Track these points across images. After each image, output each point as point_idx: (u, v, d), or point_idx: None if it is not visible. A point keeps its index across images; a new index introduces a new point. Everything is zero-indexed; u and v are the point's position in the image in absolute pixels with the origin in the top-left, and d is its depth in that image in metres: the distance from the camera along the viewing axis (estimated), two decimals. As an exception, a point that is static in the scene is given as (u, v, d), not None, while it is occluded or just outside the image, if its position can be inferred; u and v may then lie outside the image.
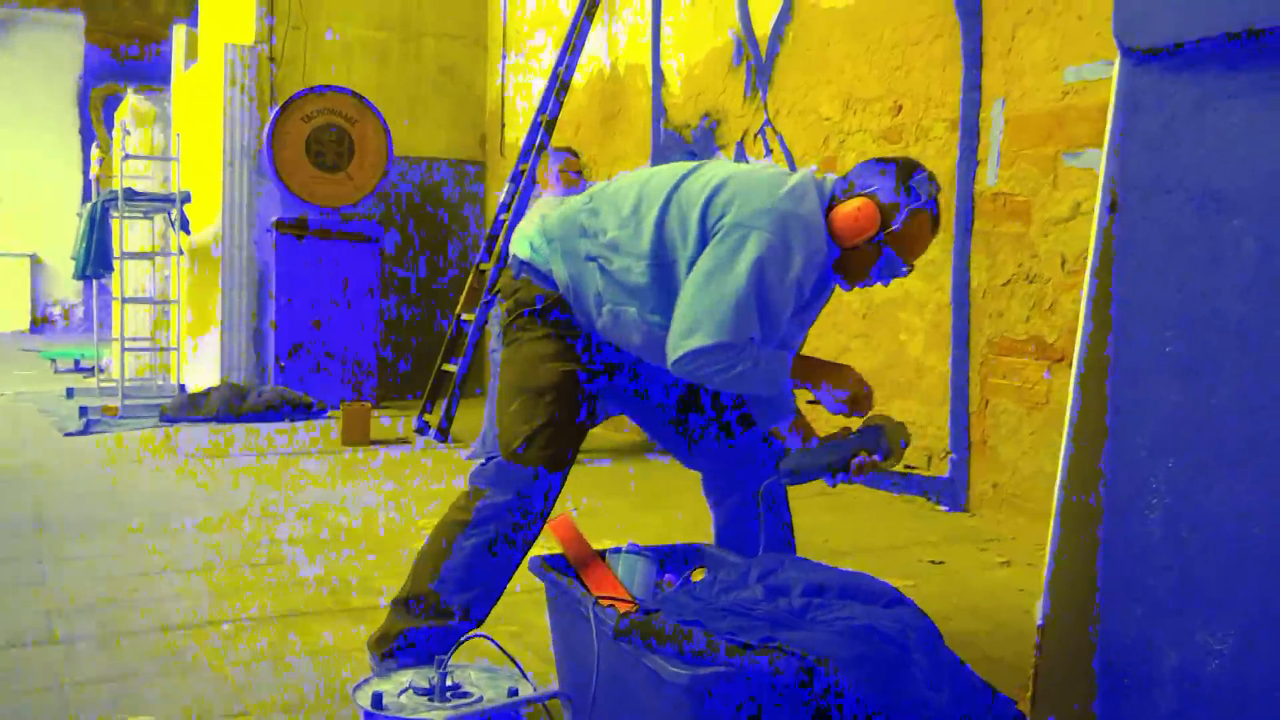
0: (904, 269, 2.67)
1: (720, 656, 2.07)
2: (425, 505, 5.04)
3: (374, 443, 6.91)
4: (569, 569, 2.77)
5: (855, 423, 2.74)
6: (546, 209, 2.82)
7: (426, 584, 2.59)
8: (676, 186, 2.63)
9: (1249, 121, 1.88)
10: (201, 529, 4.53)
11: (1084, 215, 4.40)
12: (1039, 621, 2.32)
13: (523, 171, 7.37)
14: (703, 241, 2.56)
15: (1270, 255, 1.85)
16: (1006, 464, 4.77)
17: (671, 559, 2.89)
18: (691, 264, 2.56)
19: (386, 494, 5.30)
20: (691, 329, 2.49)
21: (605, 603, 2.47)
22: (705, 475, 2.97)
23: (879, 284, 2.73)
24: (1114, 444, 2.11)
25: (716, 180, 2.60)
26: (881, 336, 5.46)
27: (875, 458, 2.66)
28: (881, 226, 2.59)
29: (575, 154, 6.37)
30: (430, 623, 2.58)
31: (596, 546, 2.79)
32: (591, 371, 2.70)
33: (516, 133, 9.07)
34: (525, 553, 2.62)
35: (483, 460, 2.63)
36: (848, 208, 2.59)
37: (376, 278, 8.66)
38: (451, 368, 7.40)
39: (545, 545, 2.75)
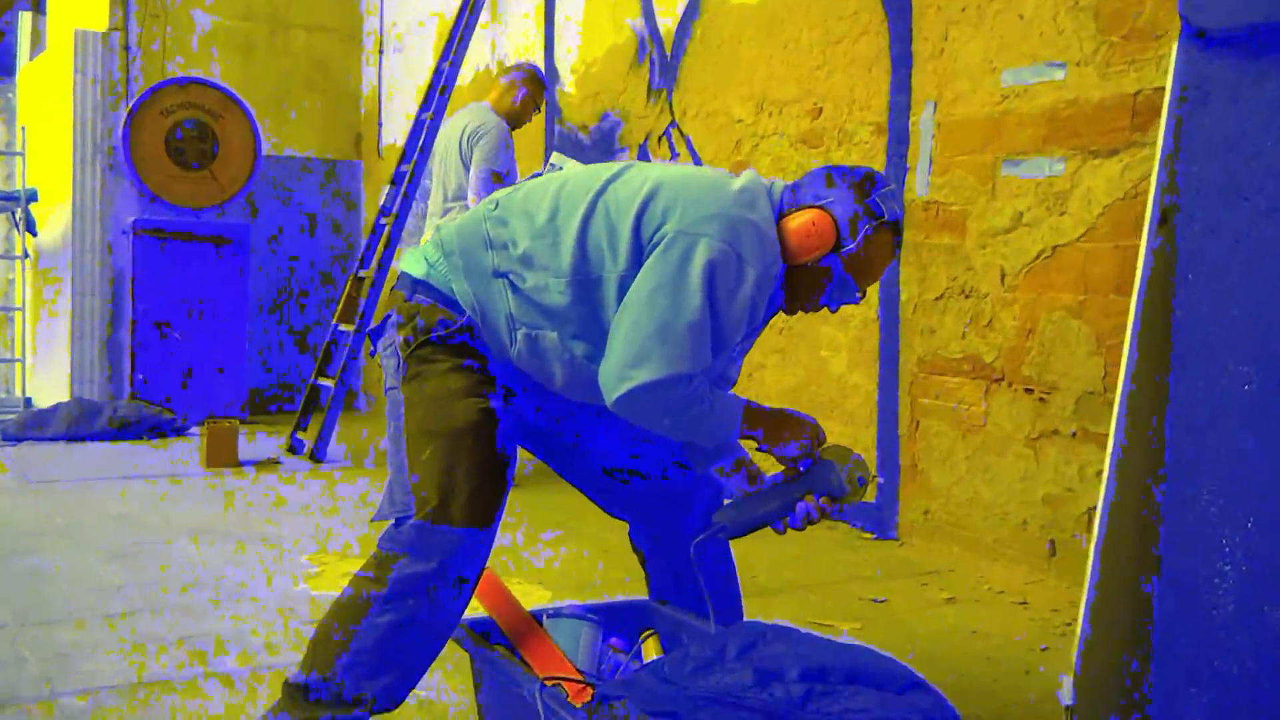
0: (857, 294, 2.32)
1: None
2: (303, 541, 4.53)
3: (242, 463, 6.34)
4: (498, 635, 2.35)
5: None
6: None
7: (330, 666, 2.12)
8: (602, 191, 2.23)
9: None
10: (32, 575, 3.95)
11: (1026, 227, 4.13)
12: (1066, 701, 1.98)
13: (406, 174, 6.88)
14: (636, 255, 2.17)
15: (1383, 276, 1.55)
16: (939, 490, 4.48)
17: (615, 619, 2.48)
18: (623, 282, 2.17)
19: (257, 526, 4.77)
20: (639, 358, 2.09)
21: (551, 683, 2.06)
22: (635, 524, 2.58)
23: (826, 309, 2.37)
24: (1172, 499, 1.78)
25: (650, 184, 2.21)
26: (800, 353, 5.13)
27: (828, 500, 2.30)
28: (836, 244, 2.24)
29: (543, 80, 5.66)
30: (336, 713, 2.12)
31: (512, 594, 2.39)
32: (513, 405, 2.29)
33: (395, 133, 8.55)
34: (453, 629, 2.19)
35: (394, 521, 2.18)
36: (800, 219, 2.24)
37: (244, 285, 8.04)
38: (328, 381, 6.87)
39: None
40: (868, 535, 4.71)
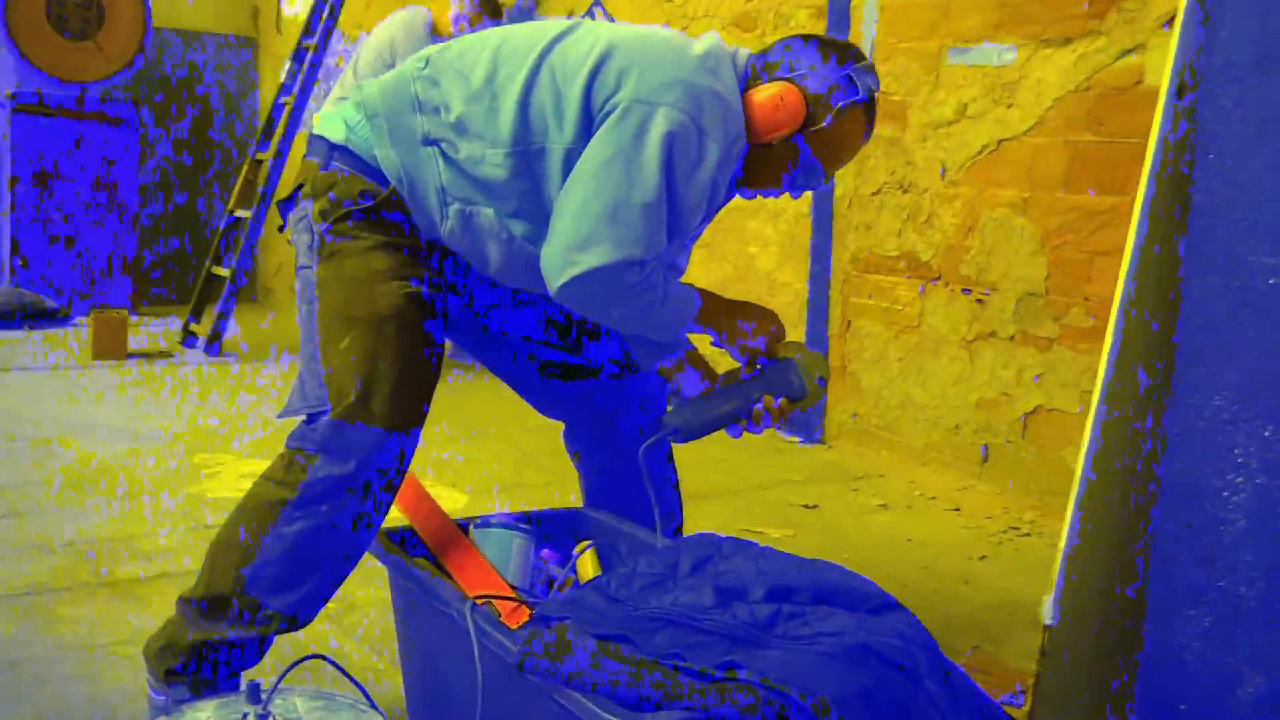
0: (823, 179, 2.11)
1: (677, 694, 1.49)
2: (197, 438, 4.24)
3: (131, 356, 5.98)
4: (419, 546, 2.13)
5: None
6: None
7: (232, 581, 1.89)
8: (547, 51, 1.97)
9: None
10: (-87, 470, 3.63)
11: (970, 119, 3.94)
12: (1049, 620, 1.83)
13: (308, 48, 6.46)
14: (585, 125, 1.92)
15: None
16: (869, 392, 4.34)
17: (547, 529, 2.28)
18: (569, 155, 1.92)
19: (149, 422, 4.46)
20: (586, 241, 1.86)
21: (482, 602, 1.85)
22: (570, 424, 2.37)
23: (788, 195, 2.17)
24: (1181, 403, 1.61)
25: (603, 45, 1.96)
26: (727, 248, 4.92)
27: (786, 402, 2.12)
28: (805, 122, 2.02)
29: (498, 11, 5.00)
30: (237, 632, 1.89)
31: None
32: (441, 290, 2.03)
33: (297, 7, 8.05)
34: (371, 539, 1.96)
35: (305, 417, 1.93)
36: (767, 92, 2.00)
37: (133, 165, 7.55)
38: (223, 271, 6.49)
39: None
40: (793, 439, 4.56)
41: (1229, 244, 1.58)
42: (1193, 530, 1.61)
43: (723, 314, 2.06)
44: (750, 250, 4.81)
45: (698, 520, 3.36)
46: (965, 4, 3.94)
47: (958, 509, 3.71)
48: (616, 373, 2.26)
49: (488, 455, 4.09)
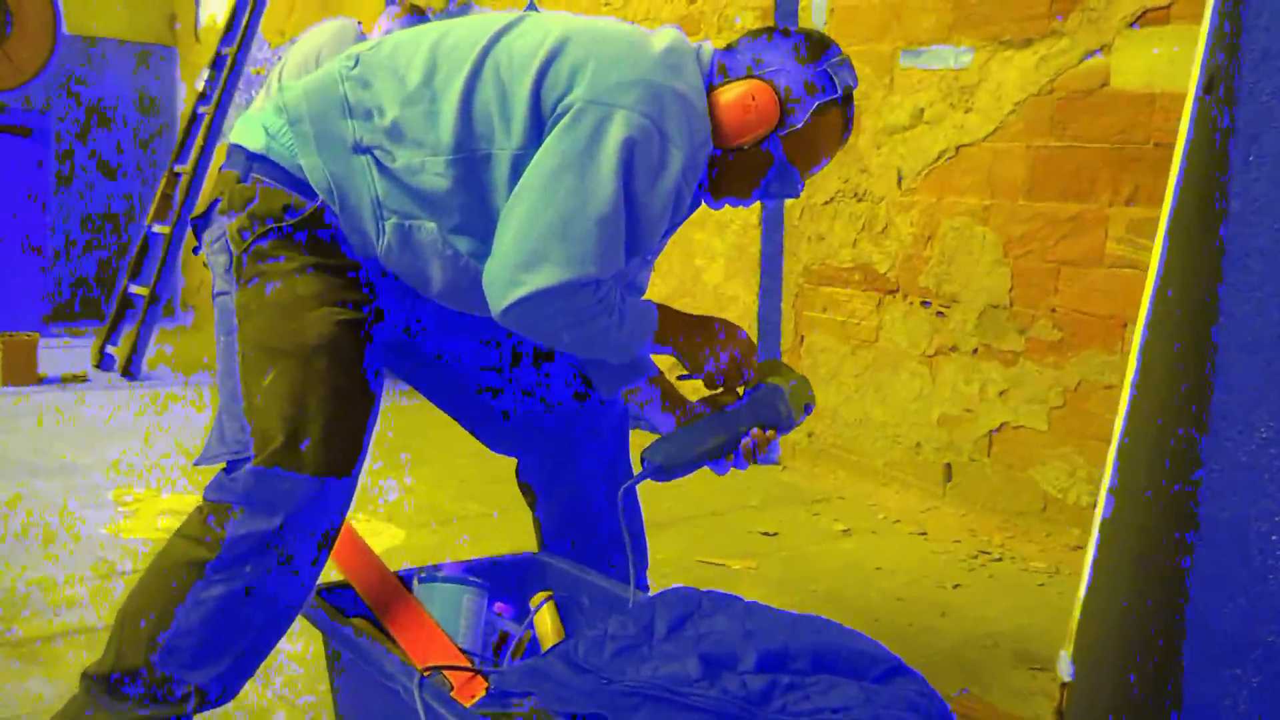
0: (799, 185, 1.93)
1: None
2: (113, 474, 3.95)
3: (44, 381, 5.64)
4: (359, 605, 1.91)
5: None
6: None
7: (144, 653, 1.65)
8: (491, 46, 1.77)
9: None
10: None
11: (927, 124, 3.78)
12: (1067, 674, 1.64)
13: (229, 57, 6.17)
14: (535, 128, 1.72)
15: None
16: (825, 410, 4.16)
17: (500, 577, 2.06)
18: (517, 161, 1.72)
19: (58, 454, 4.16)
20: (534, 258, 1.66)
21: (429, 673, 1.63)
22: (524, 460, 2.15)
23: (758, 203, 1.98)
24: (1219, 435, 1.44)
25: (554, 38, 1.76)
26: (672, 261, 4.73)
27: (773, 432, 1.94)
28: (778, 123, 1.83)
29: (421, 11, 4.79)
30: (151, 712, 1.65)
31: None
32: (378, 316, 1.81)
33: (216, 5, 7.74)
34: (304, 602, 1.73)
35: (225, 465, 1.69)
36: (736, 92, 1.82)
37: (44, 180, 7.20)
38: (141, 289, 6.18)
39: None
40: (747, 458, 4.37)
41: (1273, 253, 1.41)
42: (1236, 578, 1.43)
43: (684, 332, 1.87)
44: (697, 263, 4.62)
45: (653, 552, 3.15)
46: (917, 5, 3.78)
47: (924, 533, 3.54)
48: (575, 402, 2.05)
49: (423, 484, 3.85)
